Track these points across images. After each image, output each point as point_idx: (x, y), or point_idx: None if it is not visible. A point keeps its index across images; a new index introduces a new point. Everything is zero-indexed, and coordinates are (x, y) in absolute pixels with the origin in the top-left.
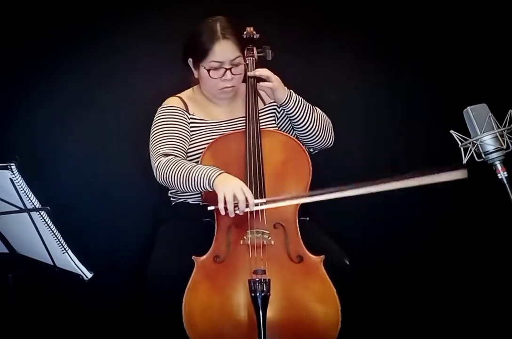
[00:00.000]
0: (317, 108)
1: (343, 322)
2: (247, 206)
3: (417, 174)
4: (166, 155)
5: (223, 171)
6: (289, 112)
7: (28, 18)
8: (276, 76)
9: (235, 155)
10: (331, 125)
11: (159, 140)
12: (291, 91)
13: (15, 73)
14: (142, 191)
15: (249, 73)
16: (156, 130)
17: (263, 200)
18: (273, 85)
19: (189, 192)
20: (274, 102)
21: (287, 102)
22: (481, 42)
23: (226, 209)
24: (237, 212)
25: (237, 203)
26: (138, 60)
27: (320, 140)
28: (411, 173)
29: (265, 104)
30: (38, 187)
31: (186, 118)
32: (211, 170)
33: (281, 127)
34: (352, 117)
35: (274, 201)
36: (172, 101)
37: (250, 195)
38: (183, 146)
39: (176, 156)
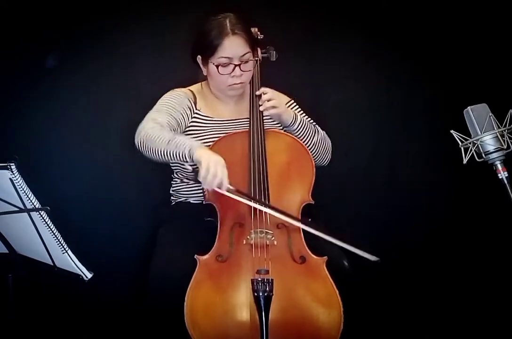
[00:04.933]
0: (319, 130)
1: (345, 323)
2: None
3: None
4: (157, 122)
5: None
6: (292, 132)
7: (28, 18)
8: (279, 99)
9: (240, 154)
10: (331, 147)
11: (157, 112)
12: (296, 113)
13: (15, 73)
14: (142, 191)
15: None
16: (159, 105)
17: (232, 187)
18: (279, 111)
19: (162, 159)
20: None
21: (292, 125)
22: (481, 42)
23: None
24: (208, 187)
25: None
26: (138, 60)
27: (318, 159)
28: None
29: None
30: (37, 187)
31: (191, 107)
32: (195, 142)
33: None
34: (352, 117)
35: (277, 211)
36: (182, 90)
37: (226, 176)
38: (176, 128)
39: (163, 126)
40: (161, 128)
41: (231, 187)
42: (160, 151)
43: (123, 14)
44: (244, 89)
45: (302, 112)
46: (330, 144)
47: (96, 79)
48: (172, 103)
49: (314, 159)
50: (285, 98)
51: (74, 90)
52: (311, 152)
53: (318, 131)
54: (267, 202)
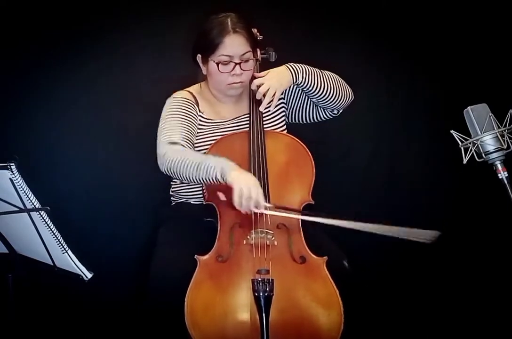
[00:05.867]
0: (323, 71)
1: (346, 323)
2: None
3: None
4: (175, 143)
5: (235, 163)
6: (302, 87)
7: (28, 18)
8: (267, 77)
9: (239, 155)
10: (342, 80)
11: (169, 129)
12: (291, 66)
13: (15, 73)
14: (142, 191)
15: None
16: (167, 118)
17: (270, 204)
18: (279, 91)
19: (195, 182)
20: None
21: (296, 81)
22: (481, 42)
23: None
24: (246, 209)
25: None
26: (138, 59)
27: (341, 99)
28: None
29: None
30: (37, 187)
31: (196, 112)
32: (224, 162)
33: (293, 113)
34: (352, 117)
35: (279, 209)
36: (183, 94)
37: (262, 195)
38: (191, 138)
39: (183, 146)
40: (184, 151)
41: (268, 205)
42: (191, 177)
43: (123, 14)
44: (243, 89)
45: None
46: (339, 78)
47: (96, 79)
48: (181, 114)
49: (341, 101)
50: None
51: (74, 90)
52: (332, 95)
53: (322, 71)
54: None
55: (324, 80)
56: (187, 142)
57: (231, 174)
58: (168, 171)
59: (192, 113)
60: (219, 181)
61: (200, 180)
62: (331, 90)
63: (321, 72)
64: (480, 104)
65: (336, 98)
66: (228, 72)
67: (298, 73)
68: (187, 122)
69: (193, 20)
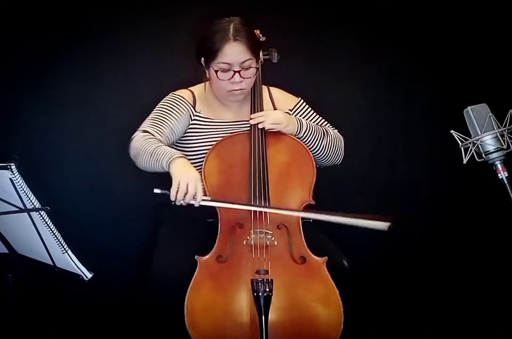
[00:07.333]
0: (329, 131)
1: (345, 323)
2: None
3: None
4: (145, 131)
5: (184, 156)
6: (300, 139)
7: (28, 18)
8: (281, 116)
9: (240, 155)
10: (342, 147)
11: (149, 120)
12: (302, 122)
13: (15, 73)
14: (142, 191)
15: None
16: (154, 112)
17: (208, 197)
18: (285, 129)
19: (151, 170)
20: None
21: (298, 134)
22: (481, 42)
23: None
24: (181, 202)
25: (186, 193)
26: (138, 59)
27: (329, 160)
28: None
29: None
30: (37, 187)
31: (188, 113)
32: (175, 153)
33: None
34: (352, 117)
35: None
36: (181, 92)
37: (200, 190)
38: (165, 132)
39: (152, 135)
40: (148, 139)
41: (206, 198)
42: (145, 162)
43: (123, 14)
44: (245, 95)
45: (312, 111)
46: (342, 143)
47: (96, 79)
48: (167, 109)
49: (325, 161)
50: (289, 104)
51: (74, 90)
52: (320, 154)
53: (327, 134)
54: (267, 204)
55: (323, 142)
56: (159, 134)
57: (174, 166)
58: (131, 155)
59: (181, 111)
60: (164, 168)
61: (151, 166)
62: (326, 151)
63: (325, 134)
64: (480, 104)
65: (327, 158)
66: (227, 79)
67: (302, 128)
68: (170, 118)
69: (193, 21)
